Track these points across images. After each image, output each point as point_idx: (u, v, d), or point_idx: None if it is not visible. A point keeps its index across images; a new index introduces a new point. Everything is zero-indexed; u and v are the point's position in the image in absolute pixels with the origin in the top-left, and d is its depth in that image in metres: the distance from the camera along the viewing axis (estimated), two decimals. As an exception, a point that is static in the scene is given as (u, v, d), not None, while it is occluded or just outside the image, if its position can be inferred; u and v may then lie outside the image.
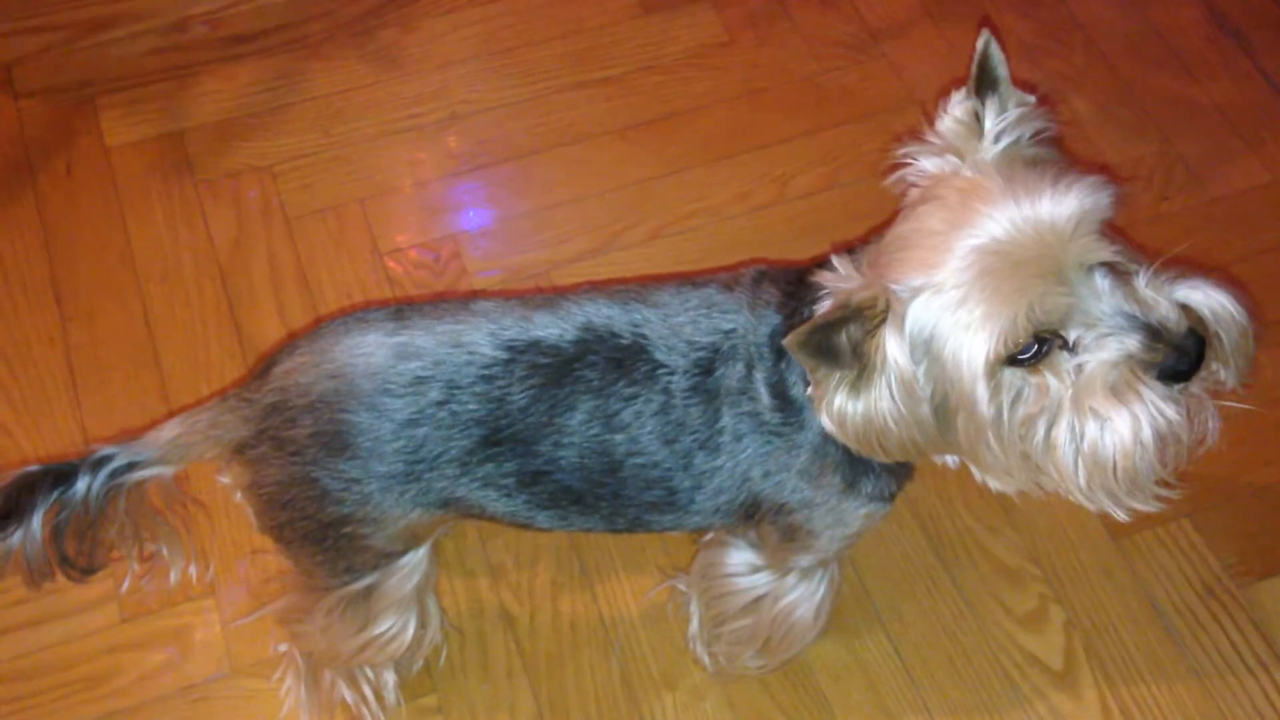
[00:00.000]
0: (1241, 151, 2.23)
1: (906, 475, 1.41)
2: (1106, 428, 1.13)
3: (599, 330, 1.32)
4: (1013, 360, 1.14)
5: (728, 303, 1.35)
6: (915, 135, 1.27)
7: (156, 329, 2.04)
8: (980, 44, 1.24)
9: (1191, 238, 2.13)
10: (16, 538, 1.29)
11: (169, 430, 1.35)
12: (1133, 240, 1.28)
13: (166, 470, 1.36)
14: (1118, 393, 1.13)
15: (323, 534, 1.34)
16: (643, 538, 1.83)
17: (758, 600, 1.55)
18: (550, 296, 1.36)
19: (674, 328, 1.33)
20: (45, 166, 2.21)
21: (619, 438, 1.32)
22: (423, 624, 1.56)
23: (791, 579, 1.52)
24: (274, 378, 1.32)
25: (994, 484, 1.24)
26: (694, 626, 1.67)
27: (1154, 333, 1.13)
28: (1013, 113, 1.21)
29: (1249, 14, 2.41)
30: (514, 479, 1.34)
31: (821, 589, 1.54)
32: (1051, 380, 1.15)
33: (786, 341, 1.13)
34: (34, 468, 1.30)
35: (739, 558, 1.54)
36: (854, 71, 2.35)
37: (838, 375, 1.18)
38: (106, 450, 1.32)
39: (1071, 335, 1.14)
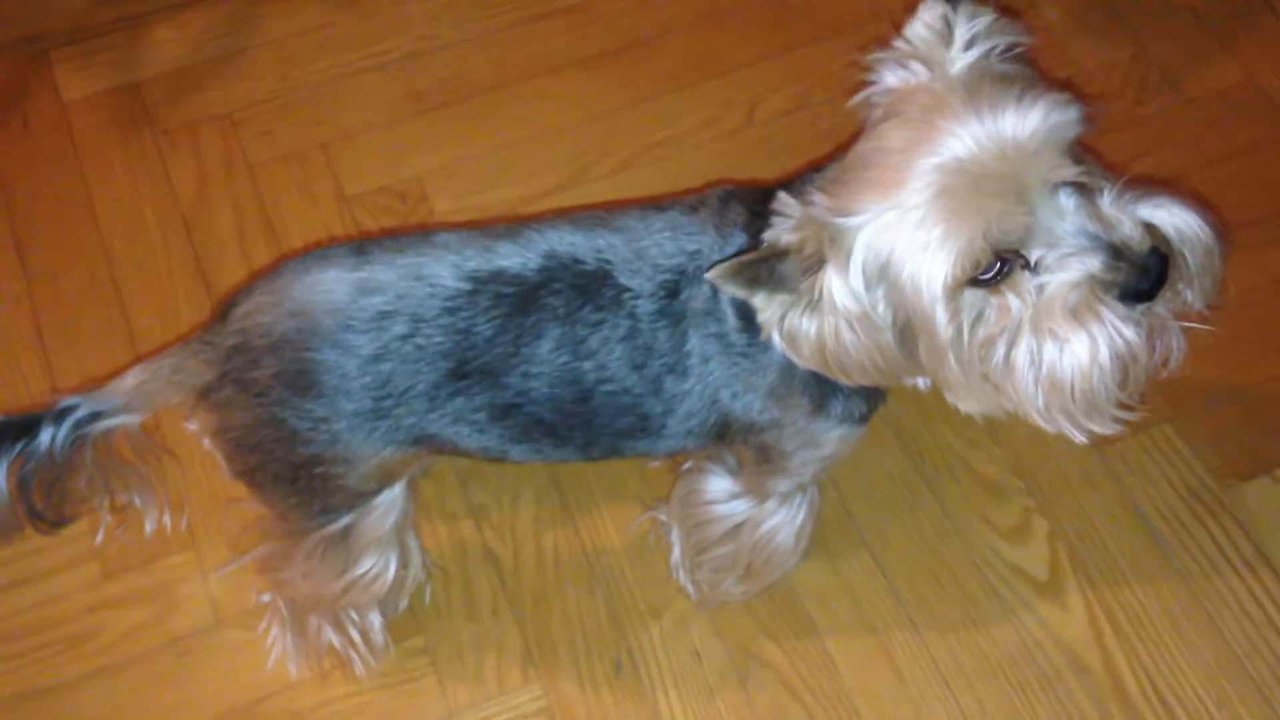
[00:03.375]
0: (1215, 52, 2.20)
1: (878, 397, 1.39)
2: (1064, 349, 1.11)
3: (562, 257, 1.30)
4: (974, 281, 1.12)
5: (693, 224, 1.32)
6: (883, 45, 1.24)
7: (123, 283, 2.01)
8: None
9: (1167, 142, 2.10)
10: (-19, 490, 1.28)
11: (132, 378, 1.33)
12: (1104, 157, 1.25)
13: (132, 419, 1.34)
14: (1077, 314, 1.11)
15: (294, 476, 1.32)
16: (623, 471, 1.82)
17: (738, 527, 1.54)
18: (512, 225, 1.34)
19: (638, 251, 1.31)
20: (1, 123, 2.17)
21: (587, 365, 1.31)
22: (404, 563, 1.55)
23: (771, 504, 1.51)
24: (234, 319, 1.29)
25: (961, 405, 1.23)
26: (676, 555, 1.66)
27: (1116, 252, 1.11)
28: (984, 19, 1.18)
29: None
30: (484, 412, 1.32)
31: (801, 513, 1.54)
32: (1013, 300, 1.13)
33: (710, 274, 1.13)
34: (-6, 419, 1.29)
35: (718, 485, 1.53)
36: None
37: (779, 299, 1.17)
38: (69, 400, 1.30)
39: (1033, 255, 1.12)
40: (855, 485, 1.82)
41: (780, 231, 1.14)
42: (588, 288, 1.30)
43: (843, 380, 1.23)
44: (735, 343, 1.30)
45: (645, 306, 1.30)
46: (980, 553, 1.75)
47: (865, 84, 1.23)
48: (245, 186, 2.10)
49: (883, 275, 1.13)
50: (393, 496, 1.43)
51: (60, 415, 1.29)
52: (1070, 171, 1.10)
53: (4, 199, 2.09)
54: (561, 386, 1.31)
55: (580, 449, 1.38)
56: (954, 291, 1.11)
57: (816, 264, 1.14)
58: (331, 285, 1.27)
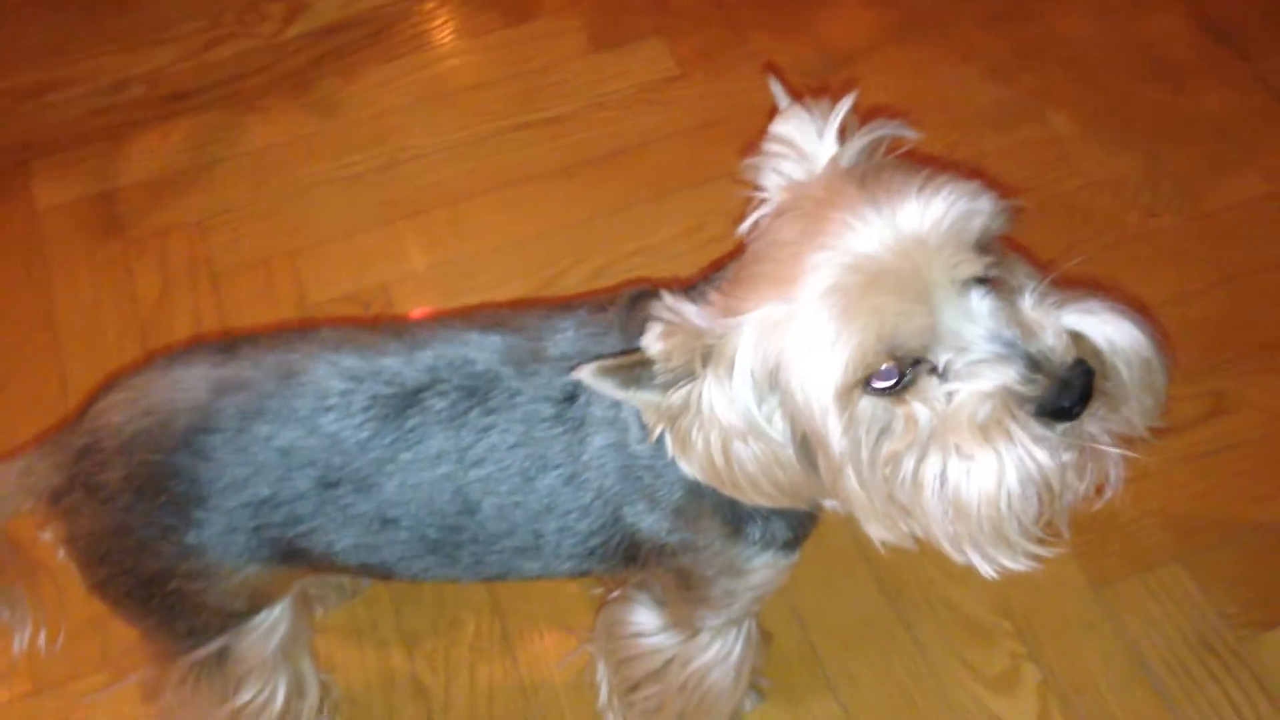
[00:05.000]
0: (1236, 162, 2.05)
1: (806, 521, 1.23)
2: (970, 469, 0.96)
3: (451, 356, 1.18)
4: (873, 389, 0.98)
5: (598, 325, 1.20)
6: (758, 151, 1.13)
7: (73, 392, 1.94)
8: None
9: (1181, 257, 1.95)
10: None
11: (-21, 482, 1.23)
12: (1034, 256, 1.11)
13: (-18, 526, 1.24)
14: (985, 429, 0.95)
15: (147, 591, 1.20)
16: (571, 594, 1.67)
17: (666, 664, 1.38)
18: (402, 322, 1.24)
19: (536, 351, 1.19)
20: (-28, 232, 2.15)
21: (473, 474, 1.18)
22: (299, 692, 1.41)
23: (702, 639, 1.35)
24: (88, 418, 1.19)
25: (869, 530, 1.07)
26: (603, 695, 1.49)
27: (1034, 363, 0.96)
28: (846, 102, 1.07)
29: (1240, 17, 2.24)
30: (358, 525, 1.19)
31: (736, 649, 1.37)
32: (919, 410, 0.98)
33: (578, 373, 1.01)
34: None
35: (643, 616, 1.38)
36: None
37: (665, 404, 1.04)
38: (-87, 503, 1.20)
39: (940, 359, 0.97)
40: (822, 620, 1.65)
41: (650, 338, 1.02)
42: (477, 389, 1.17)
43: (740, 499, 1.09)
44: (638, 454, 1.16)
45: (540, 411, 1.17)
46: (961, 703, 1.56)
47: (753, 201, 1.12)
48: (207, 294, 2.04)
49: (774, 382, 1.00)
50: (272, 618, 1.30)
51: (-102, 518, 1.19)
52: (977, 267, 0.96)
53: (-34, 307, 2.05)
54: (444, 498, 1.18)
55: (469, 568, 1.24)
56: (846, 399, 0.97)
57: (685, 374, 1.02)
58: (192, 383, 1.17)
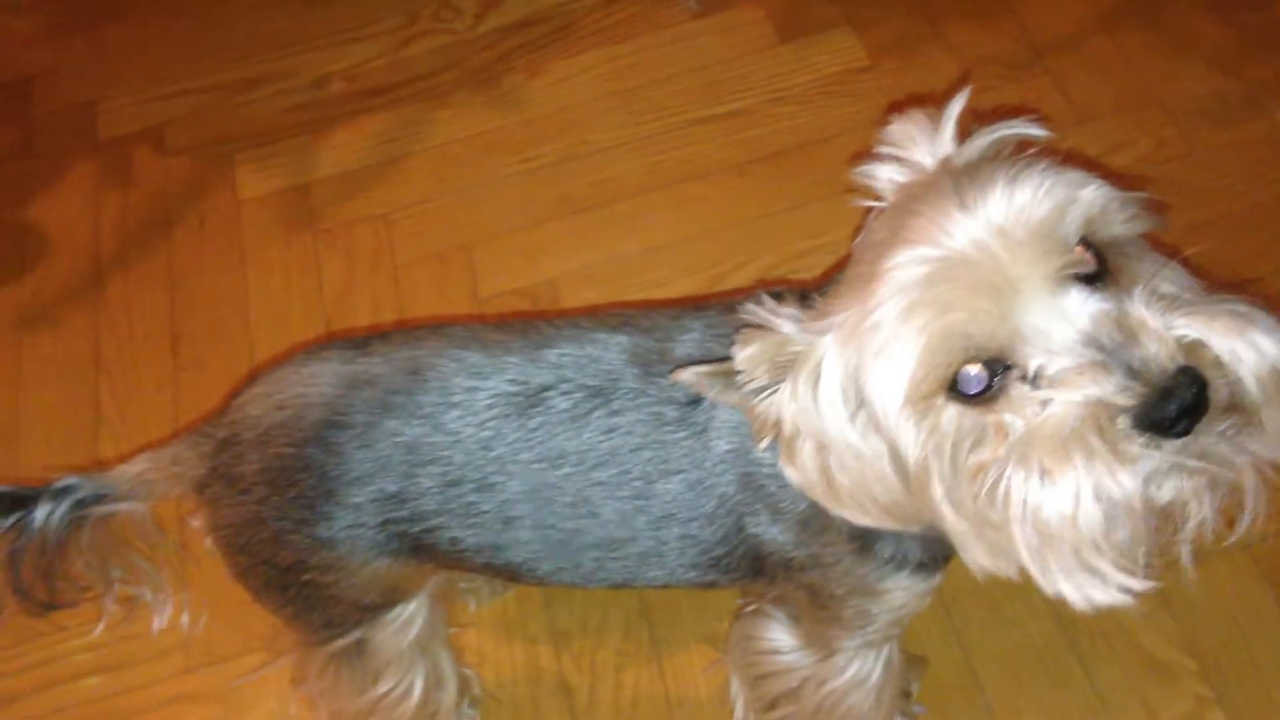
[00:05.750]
0: None
1: (945, 543, 1.14)
2: (1049, 488, 0.87)
3: (577, 356, 1.16)
4: (960, 395, 0.90)
5: (727, 326, 1.15)
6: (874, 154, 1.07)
7: (260, 377, 2.02)
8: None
9: None
10: (-38, 558, 1.24)
11: (136, 465, 1.28)
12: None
13: (135, 507, 1.28)
14: (1068, 444, 0.86)
15: (284, 581, 1.23)
16: (721, 603, 1.62)
17: (801, 683, 1.32)
18: (530, 320, 1.22)
19: (663, 352, 1.15)
20: (181, 220, 2.26)
21: (596, 476, 1.15)
22: (437, 685, 1.41)
23: (839, 660, 1.29)
24: (231, 410, 1.23)
25: (967, 557, 0.98)
26: (738, 711, 1.44)
27: (1133, 371, 0.86)
28: (959, 102, 1.00)
29: None
30: (481, 524, 1.18)
31: (876, 673, 1.30)
32: (1010, 420, 0.90)
33: (679, 374, 0.98)
34: (-8, 489, 1.26)
35: (777, 633, 1.33)
36: (1010, 90, 2.09)
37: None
38: (70, 480, 1.25)
39: (1031, 363, 0.89)
40: (987, 648, 1.55)
41: (738, 348, 0.98)
42: (602, 390, 1.15)
43: (846, 516, 1.02)
44: (761, 461, 1.12)
45: (664, 414, 1.14)
46: (1136, 748, 1.44)
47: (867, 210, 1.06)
48: (387, 286, 2.09)
49: (860, 391, 0.94)
50: (408, 613, 1.31)
51: (59, 494, 1.24)
52: (1071, 262, 0.87)
53: (170, 293, 2.16)
54: (566, 500, 1.16)
55: (592, 574, 1.22)
56: (922, 406, 0.90)
57: (766, 386, 0.98)
58: (325, 378, 1.19)
